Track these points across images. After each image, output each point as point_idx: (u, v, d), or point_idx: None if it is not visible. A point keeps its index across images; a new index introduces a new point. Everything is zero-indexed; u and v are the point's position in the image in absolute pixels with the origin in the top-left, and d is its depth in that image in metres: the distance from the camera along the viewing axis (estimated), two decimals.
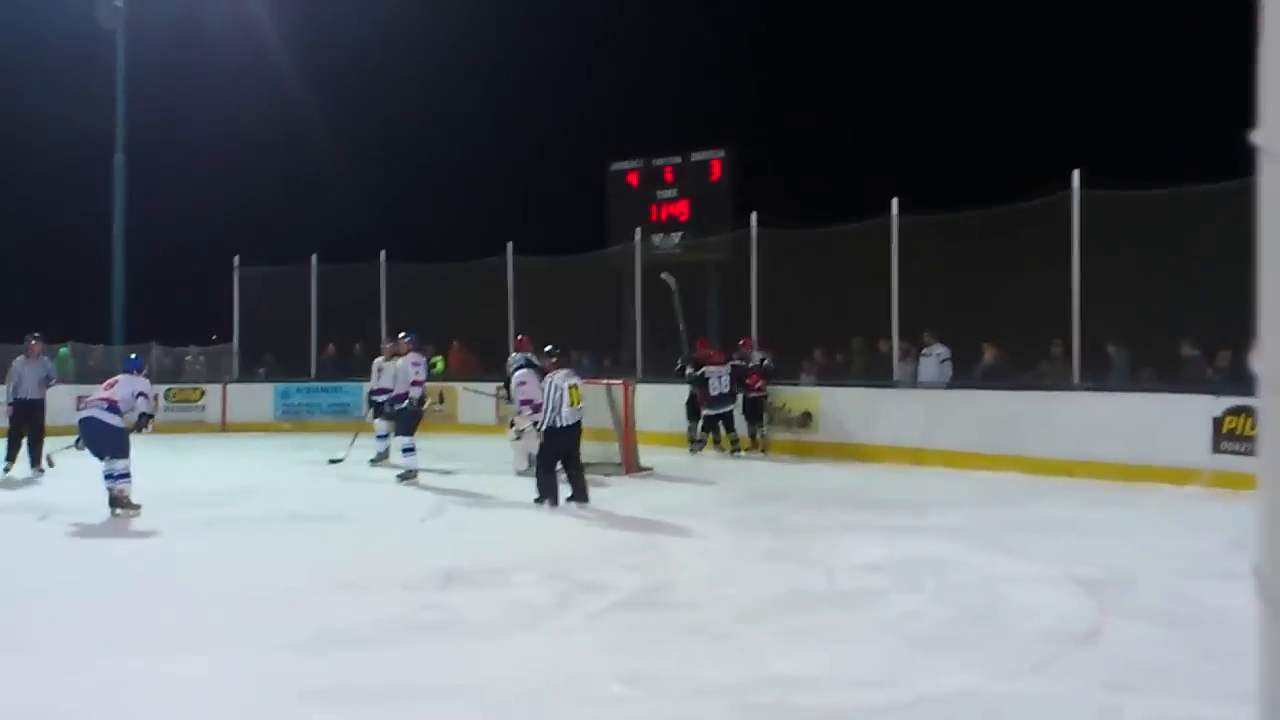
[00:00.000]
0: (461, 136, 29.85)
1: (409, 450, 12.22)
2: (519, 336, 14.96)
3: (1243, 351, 9.93)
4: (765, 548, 8.22)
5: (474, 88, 30.57)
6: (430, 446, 14.32)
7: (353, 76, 29.83)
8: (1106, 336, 13.08)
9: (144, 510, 9.81)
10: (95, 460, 9.91)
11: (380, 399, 13.46)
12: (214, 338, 22.25)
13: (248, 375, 20.72)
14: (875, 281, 14.55)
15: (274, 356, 20.79)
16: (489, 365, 18.22)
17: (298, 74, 27.80)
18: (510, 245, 19.08)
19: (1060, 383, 12.75)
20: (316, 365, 20.37)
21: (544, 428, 10.16)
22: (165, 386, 19.49)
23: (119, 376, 10.14)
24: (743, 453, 14.86)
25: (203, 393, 19.87)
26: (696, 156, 19.93)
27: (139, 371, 10.24)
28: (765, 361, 15.32)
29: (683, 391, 15.34)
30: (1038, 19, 25.67)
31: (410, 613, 6.13)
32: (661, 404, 15.54)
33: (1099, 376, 12.82)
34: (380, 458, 13.89)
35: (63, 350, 20.17)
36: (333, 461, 14.01)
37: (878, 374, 14.91)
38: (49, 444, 12.37)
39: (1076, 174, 12.35)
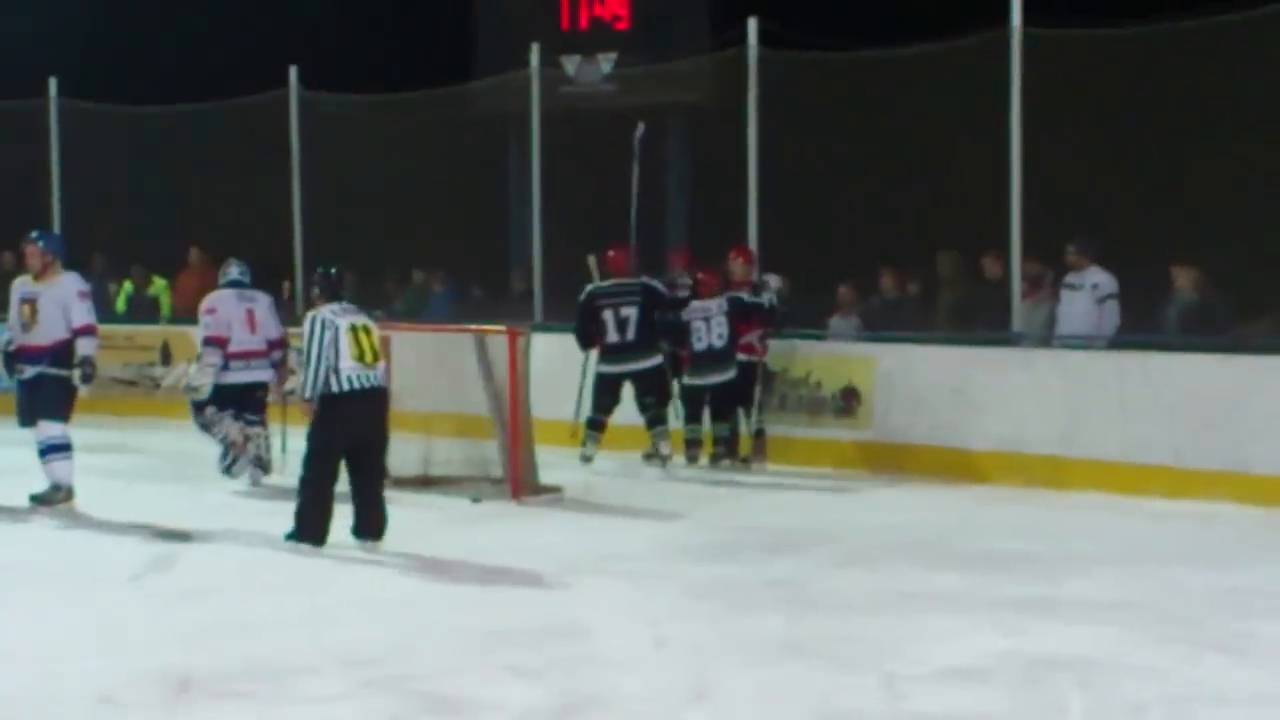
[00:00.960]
0: None
1: (54, 450, 12.60)
2: None
3: None
4: (771, 636, 8.32)
5: None
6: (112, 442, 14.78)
7: None
8: None
9: None
10: None
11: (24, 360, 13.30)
12: None
13: None
14: (977, 150, 14.64)
15: None
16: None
17: None
18: (294, 73, 19.28)
19: None
20: None
21: (312, 395, 10.76)
22: None
23: None
24: (726, 461, 14.93)
25: None
26: None
27: None
28: (770, 295, 15.25)
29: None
30: None
31: None
32: (577, 369, 15.47)
33: None
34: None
35: None
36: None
37: (981, 319, 15.00)
38: None
39: None
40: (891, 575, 9.92)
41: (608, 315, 14.70)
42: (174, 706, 6.91)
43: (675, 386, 15.20)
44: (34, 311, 12.60)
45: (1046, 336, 14.63)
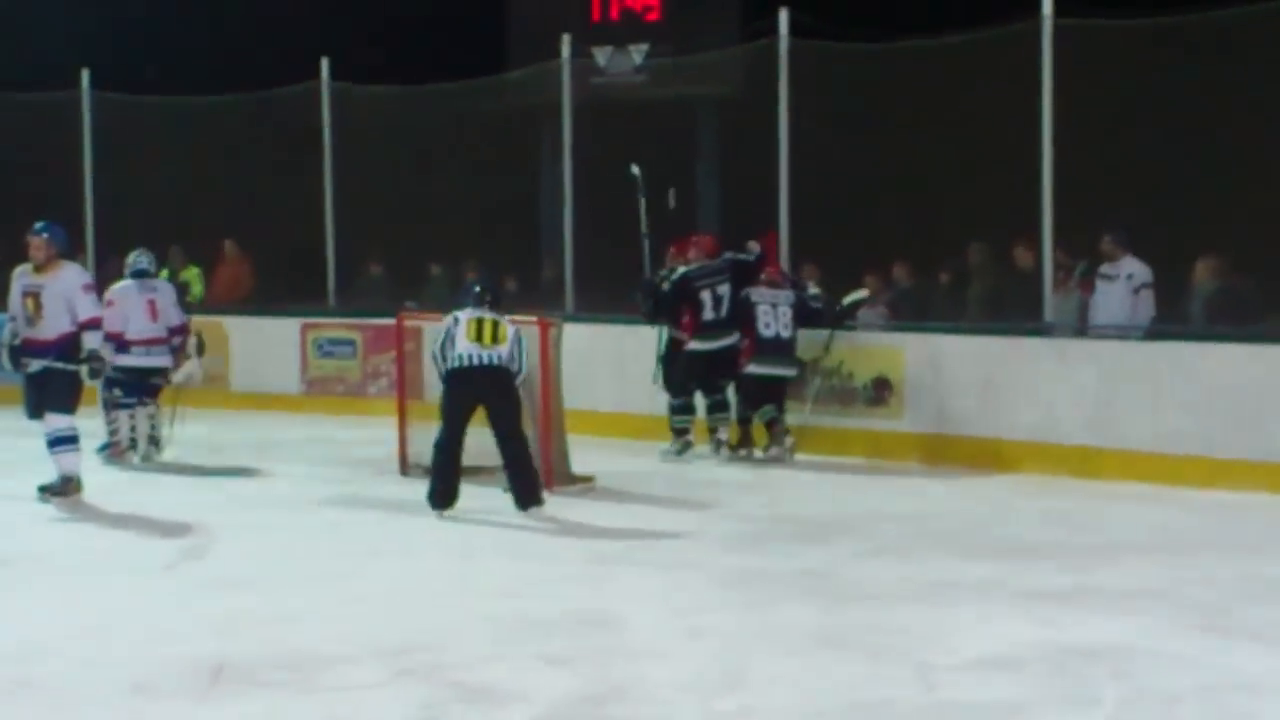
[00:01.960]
0: None
1: (62, 442, 12.62)
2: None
3: None
4: (804, 626, 8.34)
5: None
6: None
7: None
8: None
9: None
10: None
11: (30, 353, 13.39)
12: None
13: None
14: (1008, 141, 14.62)
15: None
16: (279, 282, 18.61)
17: None
18: (326, 65, 19.30)
19: None
20: None
21: (441, 374, 11.99)
22: None
23: None
24: (759, 451, 14.92)
25: None
26: None
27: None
28: (810, 289, 15.34)
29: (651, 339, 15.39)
30: None
31: None
32: (613, 360, 15.59)
33: None
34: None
35: None
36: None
37: (1015, 309, 14.99)
38: None
39: None
40: (923, 565, 9.91)
41: (705, 295, 14.78)
42: (206, 694, 6.90)
43: (659, 371, 15.33)
44: (38, 305, 12.57)
45: (1080, 327, 14.61)
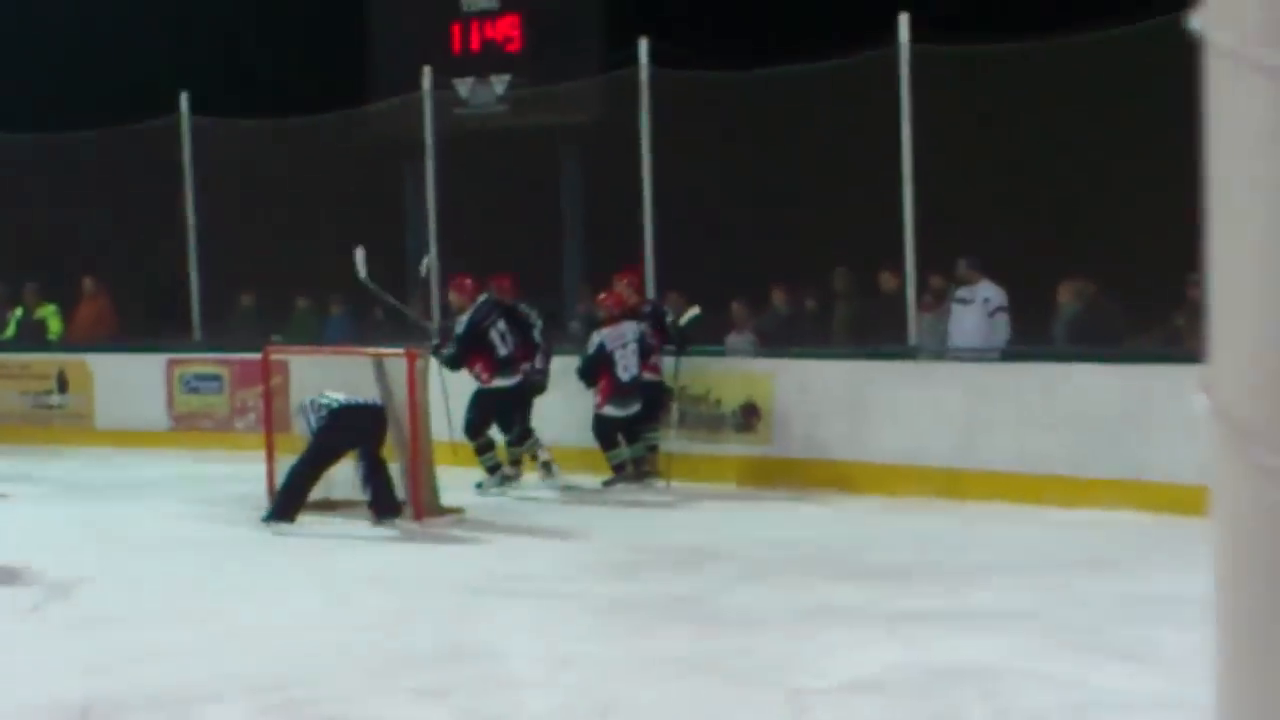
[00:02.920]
0: None
1: None
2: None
3: None
4: (675, 653, 8.34)
5: None
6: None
7: None
8: None
9: None
10: None
11: None
12: None
13: None
14: (869, 166, 14.72)
15: None
16: (144, 318, 18.27)
17: None
18: (185, 99, 19.23)
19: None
20: None
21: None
22: None
23: None
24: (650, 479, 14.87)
25: None
26: None
27: None
28: (667, 313, 15.29)
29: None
30: None
31: None
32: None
33: None
34: None
35: None
36: None
37: (878, 334, 15.09)
38: None
39: None
40: (793, 590, 9.90)
41: (493, 335, 14.55)
42: None
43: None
44: None
45: (940, 349, 14.75)
